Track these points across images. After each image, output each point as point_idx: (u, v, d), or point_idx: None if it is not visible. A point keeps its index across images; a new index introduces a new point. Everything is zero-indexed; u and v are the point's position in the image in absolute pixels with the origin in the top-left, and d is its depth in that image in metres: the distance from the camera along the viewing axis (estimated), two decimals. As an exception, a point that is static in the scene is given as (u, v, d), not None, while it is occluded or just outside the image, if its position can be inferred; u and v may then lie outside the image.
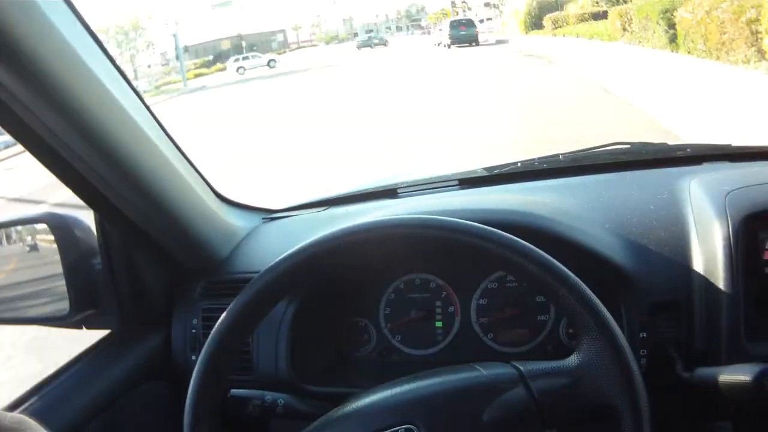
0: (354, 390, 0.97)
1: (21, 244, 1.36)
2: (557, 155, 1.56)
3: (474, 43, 35.78)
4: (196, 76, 53.21)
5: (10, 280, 1.36)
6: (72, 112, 0.98)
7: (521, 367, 0.88)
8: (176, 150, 1.24)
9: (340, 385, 1.25)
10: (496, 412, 0.84)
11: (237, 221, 1.44)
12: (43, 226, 1.29)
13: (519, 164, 1.55)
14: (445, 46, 37.01)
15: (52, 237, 1.26)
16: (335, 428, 0.90)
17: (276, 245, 1.38)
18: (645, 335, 1.12)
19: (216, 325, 0.93)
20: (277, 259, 0.92)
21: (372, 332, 1.37)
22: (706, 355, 1.10)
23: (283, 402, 1.11)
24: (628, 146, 1.62)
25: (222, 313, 0.93)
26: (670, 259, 1.14)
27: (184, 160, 1.26)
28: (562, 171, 1.48)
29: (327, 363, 1.34)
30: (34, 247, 1.34)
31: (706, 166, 1.40)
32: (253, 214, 1.54)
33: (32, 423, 0.48)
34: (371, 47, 61.00)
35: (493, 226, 0.88)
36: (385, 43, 64.02)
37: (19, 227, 1.35)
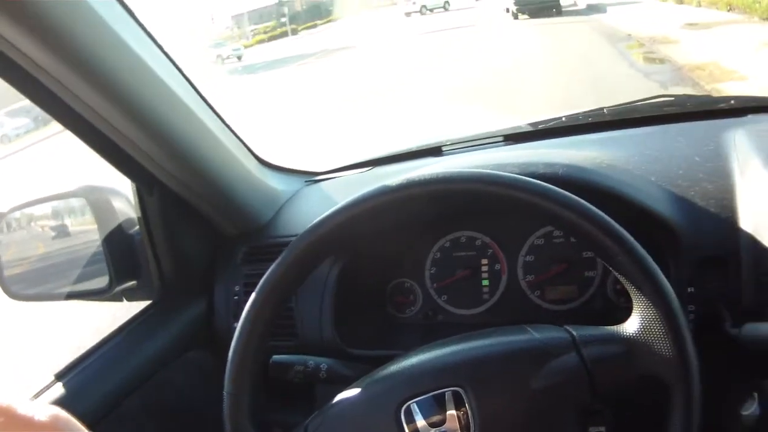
0: (400, 353, 0.94)
1: (58, 218, 1.37)
2: (601, 109, 1.51)
3: (555, 11, 23.58)
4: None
5: (48, 256, 1.37)
6: (106, 82, 0.98)
7: (574, 332, 0.84)
8: (215, 116, 1.22)
9: (386, 348, 1.21)
10: (545, 379, 0.82)
11: (279, 185, 1.43)
12: (80, 200, 1.30)
13: (563, 118, 1.51)
14: (511, 14, 24.93)
15: (89, 210, 1.26)
16: (380, 387, 0.88)
17: (318, 207, 1.33)
18: (693, 290, 1.08)
19: (256, 289, 0.91)
20: (318, 219, 0.90)
21: (417, 293, 1.34)
22: (754, 311, 1.05)
23: (326, 367, 1.08)
24: (672, 98, 1.57)
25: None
26: (717, 213, 1.10)
27: (223, 126, 1.25)
28: (606, 124, 1.44)
29: (372, 326, 1.32)
30: (71, 222, 1.35)
31: (750, 117, 1.34)
32: (296, 178, 1.52)
33: (66, 417, 0.47)
34: (422, 13, 42.85)
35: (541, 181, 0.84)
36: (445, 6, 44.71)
37: (57, 202, 1.35)
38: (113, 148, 1.11)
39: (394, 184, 0.87)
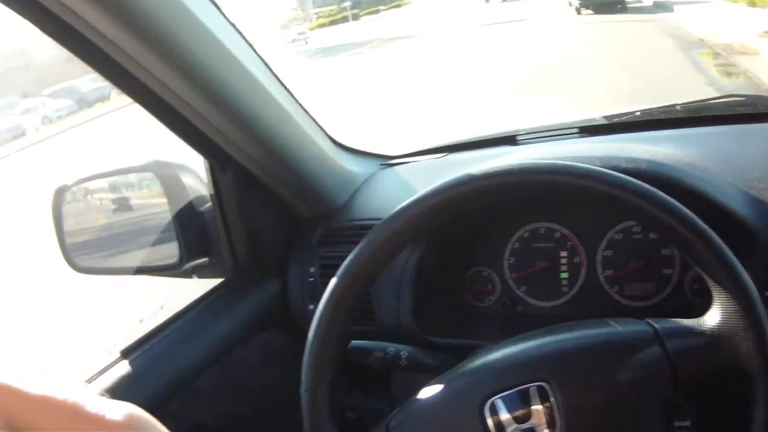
0: (479, 342, 0.93)
1: (125, 193, 1.36)
2: (674, 105, 1.49)
3: (620, 7, 22.17)
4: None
5: (115, 230, 1.37)
6: (181, 60, 0.97)
7: (656, 325, 0.83)
8: (289, 96, 1.21)
9: (465, 336, 1.22)
10: (629, 372, 0.81)
11: (354, 167, 1.41)
12: (149, 174, 1.28)
13: (638, 113, 1.48)
14: (574, 9, 23.82)
15: (159, 186, 1.25)
16: (463, 382, 0.87)
17: (394, 191, 1.36)
18: None
19: (338, 273, 0.90)
20: (402, 205, 0.89)
21: (496, 282, 1.33)
22: None
23: (406, 354, 1.06)
24: (743, 98, 1.56)
25: (340, 260, 0.91)
26: None
27: (298, 106, 1.24)
28: (680, 121, 1.41)
29: (450, 314, 1.31)
30: (139, 196, 1.34)
31: None
32: (371, 161, 1.51)
33: (143, 416, 0.42)
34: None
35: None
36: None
37: (127, 176, 1.34)
38: (186, 125, 1.10)
39: (480, 172, 0.86)
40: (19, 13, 0.87)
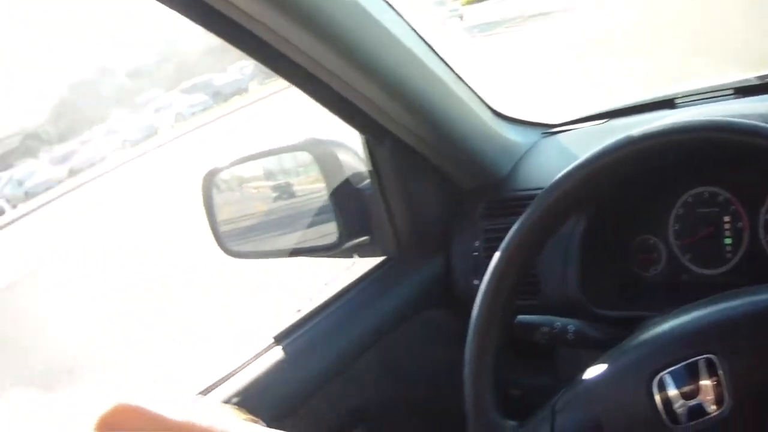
0: (645, 314, 0.89)
1: (279, 173, 1.33)
2: None
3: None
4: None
5: (273, 211, 1.34)
6: (333, 35, 0.96)
7: None
8: (446, 66, 1.16)
9: (631, 308, 1.15)
10: None
11: (515, 137, 1.35)
12: (303, 153, 1.25)
13: None
14: None
15: (314, 164, 1.21)
16: (631, 359, 0.83)
17: (557, 160, 1.28)
18: None
19: (502, 246, 0.88)
20: (564, 173, 0.86)
21: (661, 250, 1.25)
22: None
23: (573, 329, 1.02)
24: None
25: (505, 233, 0.88)
26: None
27: (455, 76, 1.19)
28: None
29: (616, 285, 1.25)
30: (293, 176, 1.30)
31: None
32: (532, 129, 1.44)
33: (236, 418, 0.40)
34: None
35: None
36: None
37: (280, 156, 1.31)
38: (341, 101, 1.08)
39: (640, 134, 0.84)
40: None
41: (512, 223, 0.88)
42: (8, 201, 24.22)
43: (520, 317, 1.03)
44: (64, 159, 27.44)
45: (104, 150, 26.93)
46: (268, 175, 1.34)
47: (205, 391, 1.07)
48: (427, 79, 1.11)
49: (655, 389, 0.76)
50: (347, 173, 1.21)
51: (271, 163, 1.33)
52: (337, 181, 1.21)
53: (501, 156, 1.29)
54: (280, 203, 1.33)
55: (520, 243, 0.87)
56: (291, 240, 1.30)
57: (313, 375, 1.13)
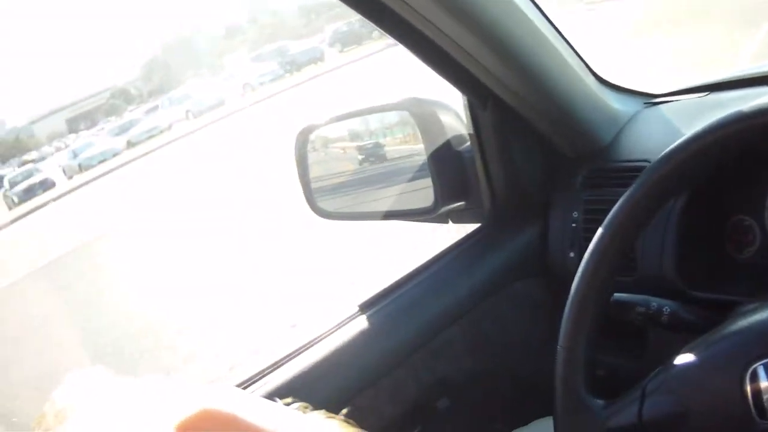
0: (740, 299, 0.86)
1: (379, 133, 1.29)
2: None
3: None
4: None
5: (368, 172, 1.31)
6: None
7: None
8: (553, 29, 1.11)
9: (725, 291, 1.10)
10: None
11: (618, 105, 1.29)
12: (402, 113, 1.21)
13: None
14: None
15: (413, 124, 1.17)
16: (726, 346, 0.79)
17: (660, 132, 1.22)
18: None
19: (606, 221, 0.85)
20: (674, 146, 0.82)
21: (756, 232, 1.18)
22: None
23: (669, 310, 0.98)
24: None
25: (605, 205, 0.86)
26: None
27: (562, 39, 1.14)
28: None
29: (711, 267, 1.19)
30: (392, 137, 1.27)
31: None
32: (634, 98, 1.37)
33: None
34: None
35: None
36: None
37: (377, 115, 1.28)
38: (448, 61, 1.05)
39: (752, 110, 0.79)
40: None
41: (613, 195, 0.86)
42: (64, 172, 24.89)
43: (618, 295, 1.00)
44: (122, 130, 27.88)
45: (165, 121, 27.28)
46: (364, 134, 1.31)
47: (290, 357, 1.06)
48: (537, 41, 1.07)
49: (747, 380, 0.73)
50: (448, 135, 1.17)
51: (367, 121, 1.30)
52: (437, 143, 1.17)
53: (604, 123, 1.24)
54: (375, 164, 1.30)
55: (627, 219, 0.84)
56: (385, 202, 1.27)
57: (397, 346, 1.11)
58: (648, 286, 1.10)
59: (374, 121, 1.30)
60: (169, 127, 26.15)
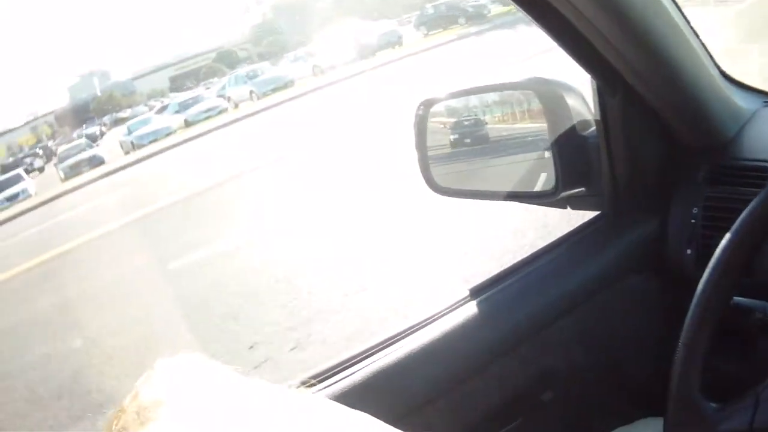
0: None
1: (501, 110, 1.27)
2: None
3: None
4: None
5: (488, 150, 1.29)
6: None
7: None
8: (684, 19, 1.08)
9: None
10: None
11: (740, 101, 1.24)
12: (527, 92, 1.18)
13: None
14: None
15: (538, 104, 1.15)
16: None
17: None
18: None
19: (737, 224, 0.84)
20: None
21: None
22: None
23: None
24: None
25: (727, 203, 0.88)
26: None
27: (691, 30, 1.10)
28: None
29: None
30: (514, 115, 1.24)
31: None
32: (754, 96, 1.31)
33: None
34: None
35: None
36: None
37: (501, 93, 1.25)
38: (583, 44, 1.03)
39: None
40: None
41: (737, 194, 0.87)
42: (122, 146, 25.46)
43: (738, 299, 0.98)
44: (183, 108, 28.06)
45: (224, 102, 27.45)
46: (485, 110, 1.28)
47: (400, 336, 1.06)
48: (673, 32, 1.04)
49: None
50: (573, 119, 1.14)
51: (489, 98, 1.28)
52: (561, 126, 1.13)
53: (728, 118, 1.19)
54: (494, 142, 1.27)
55: (757, 225, 0.83)
56: (502, 183, 1.26)
57: (506, 335, 1.10)
58: (763, 290, 1.05)
59: (496, 99, 1.28)
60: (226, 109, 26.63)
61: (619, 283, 1.19)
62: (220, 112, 25.87)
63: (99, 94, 49.30)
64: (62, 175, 23.55)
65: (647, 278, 1.22)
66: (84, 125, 42.66)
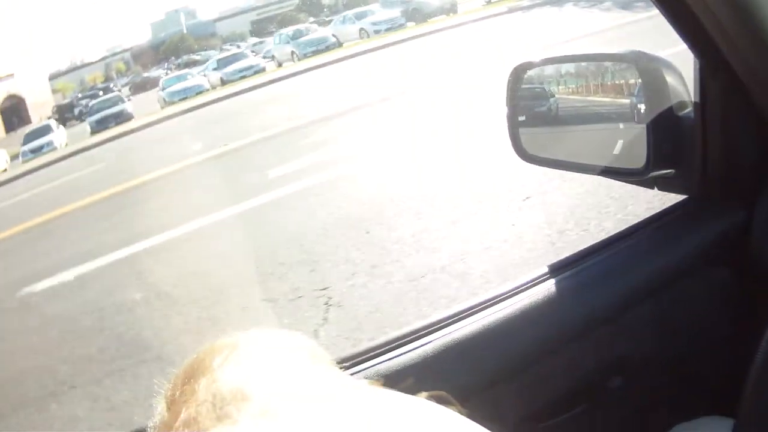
0: None
1: (596, 81, 1.23)
2: None
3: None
4: None
5: (580, 121, 1.27)
6: None
7: None
8: None
9: None
10: None
11: None
12: (628, 65, 1.15)
13: None
14: None
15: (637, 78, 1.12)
16: None
17: None
18: None
19: None
20: None
21: None
22: None
23: None
24: None
25: None
26: None
27: None
28: None
29: None
30: (610, 88, 1.21)
31: None
32: None
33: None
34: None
35: None
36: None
37: (598, 63, 1.23)
38: (690, 20, 0.99)
39: None
40: None
41: None
42: (158, 102, 25.32)
43: None
44: (221, 65, 27.64)
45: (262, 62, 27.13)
46: (580, 80, 1.25)
47: (478, 307, 1.06)
48: None
49: None
50: (670, 98, 1.10)
51: (585, 68, 1.25)
52: (658, 103, 1.10)
53: None
54: (586, 114, 1.25)
55: None
56: (591, 156, 1.23)
57: (581, 317, 1.08)
58: None
59: (592, 69, 1.25)
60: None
61: (699, 274, 1.16)
62: (256, 72, 25.66)
63: (185, 32, 49.62)
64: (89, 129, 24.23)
65: (728, 272, 1.19)
66: (159, 64, 43.05)
